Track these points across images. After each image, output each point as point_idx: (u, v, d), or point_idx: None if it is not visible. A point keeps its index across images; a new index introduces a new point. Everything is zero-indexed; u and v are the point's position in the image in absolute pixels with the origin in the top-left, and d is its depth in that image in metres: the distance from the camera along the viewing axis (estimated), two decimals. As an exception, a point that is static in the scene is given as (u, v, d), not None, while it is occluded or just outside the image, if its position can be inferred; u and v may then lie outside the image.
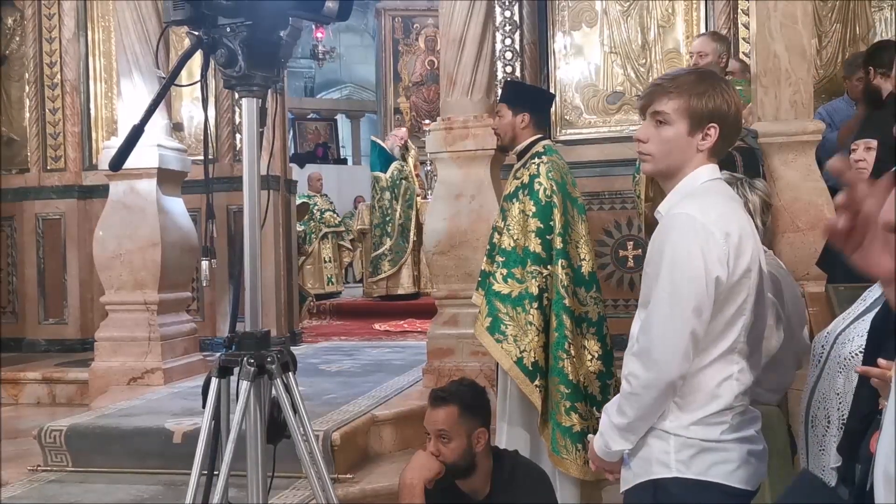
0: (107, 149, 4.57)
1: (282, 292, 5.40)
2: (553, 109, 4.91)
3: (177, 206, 4.56)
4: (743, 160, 3.22)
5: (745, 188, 2.27)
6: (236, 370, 1.67)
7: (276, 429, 1.75)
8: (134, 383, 4.22)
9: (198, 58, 1.72)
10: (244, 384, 1.63)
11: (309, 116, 13.72)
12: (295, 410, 1.69)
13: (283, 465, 1.85)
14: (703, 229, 1.54)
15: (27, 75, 5.72)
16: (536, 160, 2.92)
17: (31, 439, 3.46)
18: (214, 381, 1.67)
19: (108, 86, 5.69)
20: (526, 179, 2.92)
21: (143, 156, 4.12)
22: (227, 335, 1.69)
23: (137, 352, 4.30)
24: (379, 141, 8.35)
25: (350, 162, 13.63)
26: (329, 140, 13.29)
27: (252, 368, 1.63)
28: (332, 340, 6.06)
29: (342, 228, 9.08)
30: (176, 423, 3.23)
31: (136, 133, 1.75)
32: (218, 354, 4.56)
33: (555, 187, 2.86)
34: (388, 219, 7.74)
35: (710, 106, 1.62)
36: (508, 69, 5.02)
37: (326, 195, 9.31)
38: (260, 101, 1.71)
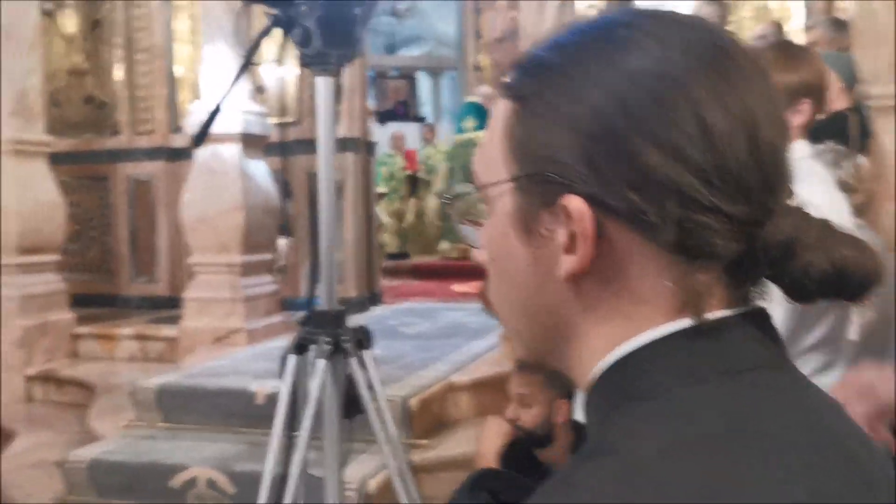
0: (191, 113, 4.67)
1: (362, 254, 5.47)
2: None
3: (259, 169, 4.64)
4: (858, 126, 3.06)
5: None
6: (313, 347, 1.70)
7: (352, 404, 1.78)
8: (219, 343, 4.36)
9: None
10: (320, 362, 1.66)
11: (389, 74, 13.71)
12: (370, 387, 1.71)
13: (362, 428, 1.88)
14: None
15: (118, 40, 5.88)
16: None
17: (125, 395, 3.62)
18: (291, 358, 1.71)
19: (193, 48, 5.80)
20: None
21: (227, 121, 4.20)
22: (303, 315, 1.71)
23: (222, 312, 4.43)
24: (477, 99, 8.27)
25: (430, 119, 13.60)
26: (409, 98, 13.27)
27: (328, 347, 1.65)
28: (409, 301, 6.12)
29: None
30: (259, 385, 3.33)
31: (217, 110, 1.77)
32: (296, 315, 4.66)
33: None
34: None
35: (799, 80, 1.54)
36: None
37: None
38: (335, 79, 1.71)
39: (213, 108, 1.74)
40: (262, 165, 4.69)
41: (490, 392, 3.44)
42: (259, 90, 5.47)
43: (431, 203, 8.95)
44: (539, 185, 0.55)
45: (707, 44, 0.55)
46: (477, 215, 0.64)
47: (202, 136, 1.74)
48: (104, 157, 5.90)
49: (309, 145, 5.32)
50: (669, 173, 0.51)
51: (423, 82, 14.23)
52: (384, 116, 11.65)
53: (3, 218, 4.64)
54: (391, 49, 14.88)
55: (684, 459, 0.47)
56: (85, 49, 6.00)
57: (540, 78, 0.56)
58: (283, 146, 5.18)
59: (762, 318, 0.56)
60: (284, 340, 4.28)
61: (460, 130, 8.03)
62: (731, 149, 0.52)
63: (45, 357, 4.70)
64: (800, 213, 0.54)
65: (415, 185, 9.26)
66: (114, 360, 4.83)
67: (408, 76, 13.80)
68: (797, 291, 0.55)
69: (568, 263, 0.54)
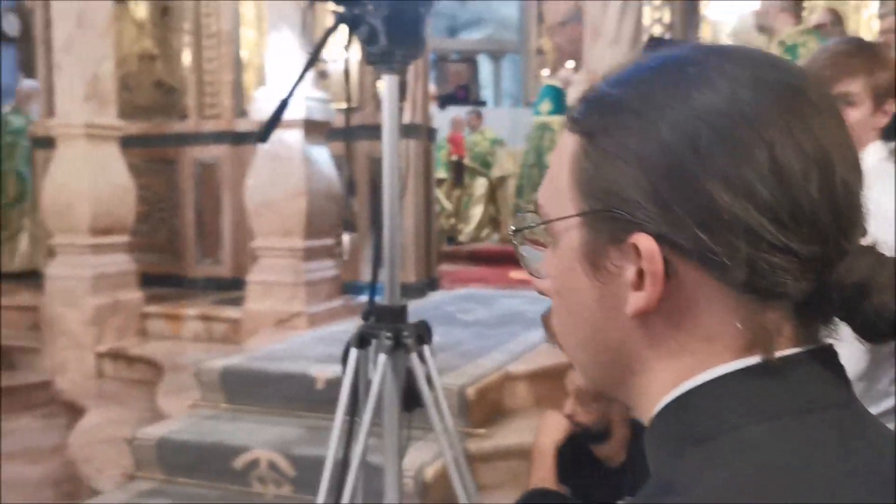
0: (256, 100, 4.75)
1: (421, 240, 5.51)
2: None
3: (322, 155, 4.70)
4: None
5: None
6: (374, 341, 1.73)
7: (411, 397, 1.81)
8: (281, 326, 4.45)
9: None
10: (381, 356, 1.69)
11: (450, 57, 13.69)
12: (429, 382, 1.74)
13: (420, 416, 1.90)
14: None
15: (186, 26, 6.00)
16: None
17: (190, 375, 3.73)
18: (353, 352, 1.74)
19: (259, 34, 5.88)
20: None
21: (291, 107, 4.24)
22: (366, 308, 1.74)
23: (284, 296, 4.52)
24: (555, 83, 8.22)
25: (491, 104, 13.54)
26: (470, 81, 13.24)
27: (389, 342, 1.68)
28: (467, 287, 6.14)
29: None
30: (319, 370, 3.39)
31: (283, 107, 1.81)
32: (356, 299, 4.71)
33: None
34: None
35: (888, 80, 1.49)
36: (657, 14, 4.81)
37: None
38: (400, 76, 1.72)
39: (279, 104, 1.78)
40: (325, 151, 4.75)
41: (547, 382, 3.45)
42: (322, 76, 5.53)
43: (478, 191, 8.92)
44: (607, 221, 0.55)
45: (779, 81, 0.54)
46: (542, 240, 0.64)
47: (268, 133, 1.77)
48: (172, 141, 6.05)
49: (371, 130, 5.37)
50: (739, 213, 0.51)
51: (485, 66, 14.18)
52: (445, 100, 11.64)
53: (76, 200, 4.80)
54: (452, 32, 14.84)
55: (749, 501, 0.48)
56: (155, 35, 6.15)
57: (608, 115, 0.56)
58: (346, 131, 5.23)
59: (830, 356, 0.55)
60: (345, 324, 4.36)
61: (537, 113, 7.97)
62: (803, 188, 0.51)
63: (115, 335, 4.87)
64: (874, 254, 0.54)
65: (460, 171, 9.23)
66: (180, 340, 4.97)
67: (469, 60, 13.77)
68: (869, 332, 0.54)
69: (636, 301, 0.54)
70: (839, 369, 0.56)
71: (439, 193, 7.74)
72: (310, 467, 2.73)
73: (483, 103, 13.10)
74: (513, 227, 0.65)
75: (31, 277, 6.33)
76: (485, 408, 3.32)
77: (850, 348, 0.57)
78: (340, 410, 1.79)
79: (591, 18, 3.88)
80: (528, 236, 0.66)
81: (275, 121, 1.77)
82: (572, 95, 4.01)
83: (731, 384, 0.53)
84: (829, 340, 0.56)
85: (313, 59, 1.78)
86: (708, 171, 0.51)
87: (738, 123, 0.52)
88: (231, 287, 5.68)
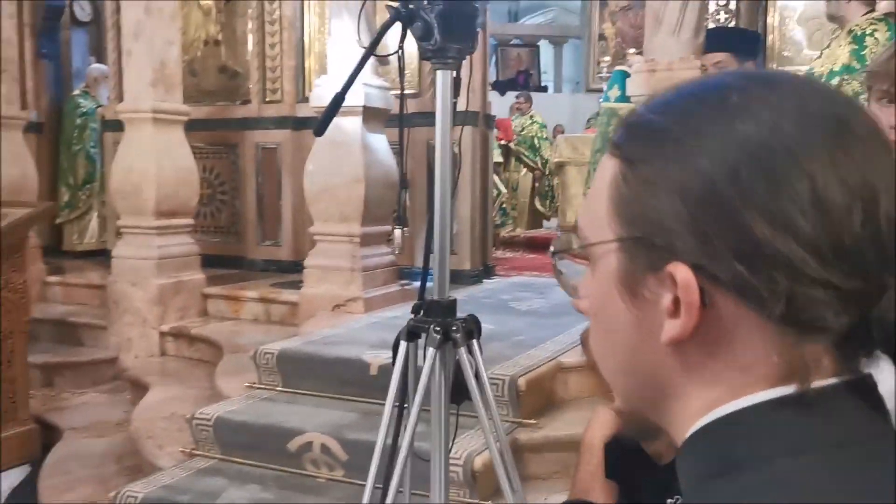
0: (317, 87, 4.80)
1: (476, 227, 5.52)
2: (769, 42, 4.56)
3: (380, 142, 4.74)
4: None
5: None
6: (424, 335, 1.75)
7: (459, 391, 1.82)
8: (337, 310, 4.52)
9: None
10: (430, 350, 1.71)
11: (511, 42, 13.60)
12: (477, 377, 1.75)
13: (471, 406, 1.92)
14: None
15: (250, 11, 6.09)
16: None
17: (248, 356, 3.81)
18: (403, 345, 1.76)
19: (321, 20, 5.94)
20: None
21: (350, 94, 4.26)
22: (416, 302, 1.76)
23: (341, 281, 4.58)
24: (626, 69, 8.12)
25: (551, 90, 13.42)
26: (531, 67, 13.13)
27: (437, 336, 1.70)
28: (523, 275, 6.13)
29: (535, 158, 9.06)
30: (373, 356, 3.44)
31: (338, 101, 1.83)
32: (411, 285, 4.72)
33: None
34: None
35: None
36: (722, 0, 4.70)
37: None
38: (454, 72, 1.73)
39: (333, 98, 1.80)
40: (383, 139, 4.78)
41: (599, 375, 3.42)
42: (382, 62, 5.56)
43: (526, 177, 8.86)
44: (645, 249, 0.55)
45: (823, 112, 0.53)
46: (582, 258, 0.64)
47: (323, 127, 1.80)
48: (235, 125, 6.17)
49: (429, 117, 5.37)
50: (779, 246, 0.50)
51: (546, 51, 14.04)
52: (505, 86, 11.59)
53: (143, 184, 4.94)
54: (514, 17, 14.73)
55: None
56: (219, 20, 6.26)
57: (649, 142, 0.56)
58: (401, 122, 5.26)
59: (869, 387, 0.55)
60: (400, 310, 4.40)
61: (606, 99, 7.88)
62: (846, 222, 0.50)
63: (178, 314, 5.01)
64: None
65: (507, 156, 9.16)
66: (239, 321, 5.09)
67: (530, 45, 13.65)
68: None
69: (671, 329, 0.54)
70: (878, 401, 0.55)
71: (496, 178, 7.72)
72: (362, 452, 2.77)
73: (544, 89, 13.00)
74: (552, 249, 0.66)
75: (100, 256, 6.56)
76: (536, 398, 3.32)
77: (891, 377, 0.56)
78: (389, 402, 1.83)
79: (652, 5, 3.81)
80: (570, 257, 0.66)
81: (330, 115, 1.80)
82: (631, 85, 3.95)
83: (765, 414, 0.52)
84: (868, 370, 0.55)
85: (368, 55, 1.80)
86: (748, 204, 0.51)
87: (779, 155, 0.51)
88: (290, 269, 5.78)
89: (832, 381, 0.53)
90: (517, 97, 9.63)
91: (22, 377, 4.12)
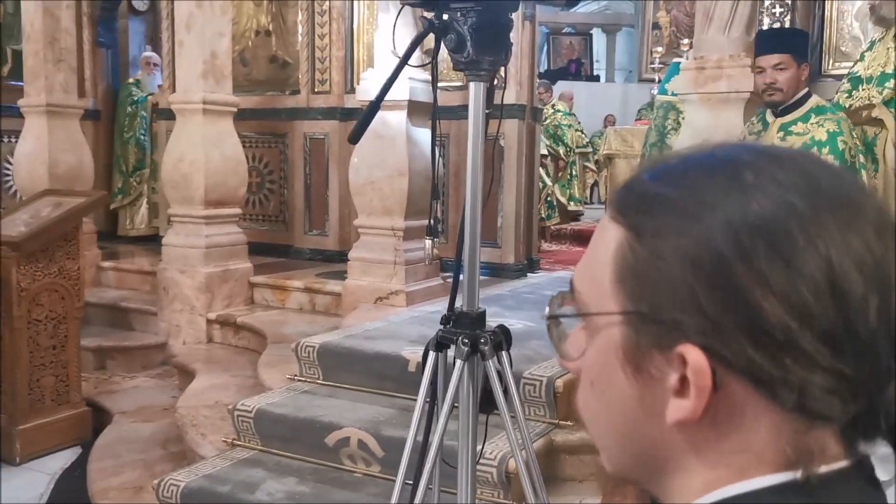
0: (363, 80, 4.82)
1: (521, 220, 5.49)
2: (825, 37, 4.44)
3: (423, 136, 4.74)
4: None
5: None
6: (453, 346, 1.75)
7: (487, 401, 1.83)
8: (379, 303, 4.56)
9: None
10: (458, 362, 1.71)
11: (563, 31, 13.45)
12: (506, 391, 1.75)
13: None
14: None
15: (301, 2, 6.14)
16: (829, 115, 2.77)
17: (291, 347, 3.87)
18: (432, 355, 1.77)
19: (371, 11, 5.95)
20: (821, 136, 2.75)
21: (395, 88, 4.25)
22: (445, 313, 1.77)
23: (384, 274, 4.62)
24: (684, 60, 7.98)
25: (603, 79, 13.24)
26: (583, 56, 12.98)
27: (465, 348, 1.70)
28: (568, 269, 6.09)
29: (589, 150, 8.93)
30: (412, 352, 3.46)
31: (373, 109, 1.84)
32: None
33: (859, 146, 2.73)
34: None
35: None
36: (777, -6, 4.57)
37: (574, 114, 9.17)
38: (486, 84, 1.72)
39: (369, 106, 1.81)
40: (427, 133, 4.78)
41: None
42: (427, 55, 5.56)
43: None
44: (653, 326, 0.53)
45: (837, 195, 0.52)
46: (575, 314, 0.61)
47: (358, 135, 1.81)
48: (284, 115, 6.24)
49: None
50: (795, 335, 0.49)
51: (598, 40, 13.85)
52: (556, 75, 11.47)
53: (193, 173, 5.04)
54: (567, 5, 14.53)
55: None
56: (270, 10, 6.32)
57: (658, 214, 0.54)
58: (450, 110, 5.25)
59: (868, 469, 0.54)
60: (441, 304, 4.40)
61: (662, 91, 7.75)
62: (863, 314, 0.49)
63: (224, 302, 5.11)
64: None
65: None
66: (284, 310, 5.16)
67: (583, 33, 13.48)
68: None
69: (679, 411, 0.52)
70: (876, 482, 0.54)
71: (541, 171, 7.66)
72: (398, 448, 2.78)
73: (596, 78, 12.84)
74: (546, 313, 0.64)
75: (152, 242, 6.71)
76: (572, 400, 3.30)
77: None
78: (418, 408, 1.84)
79: (702, 2, 3.73)
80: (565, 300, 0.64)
81: (365, 123, 1.81)
82: (677, 84, 3.88)
83: (768, 499, 0.51)
84: (866, 452, 0.54)
85: (402, 64, 1.80)
86: (763, 287, 0.49)
87: (795, 239, 0.49)
88: (336, 259, 5.85)
89: (836, 465, 0.52)
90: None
91: (74, 361, 4.25)
